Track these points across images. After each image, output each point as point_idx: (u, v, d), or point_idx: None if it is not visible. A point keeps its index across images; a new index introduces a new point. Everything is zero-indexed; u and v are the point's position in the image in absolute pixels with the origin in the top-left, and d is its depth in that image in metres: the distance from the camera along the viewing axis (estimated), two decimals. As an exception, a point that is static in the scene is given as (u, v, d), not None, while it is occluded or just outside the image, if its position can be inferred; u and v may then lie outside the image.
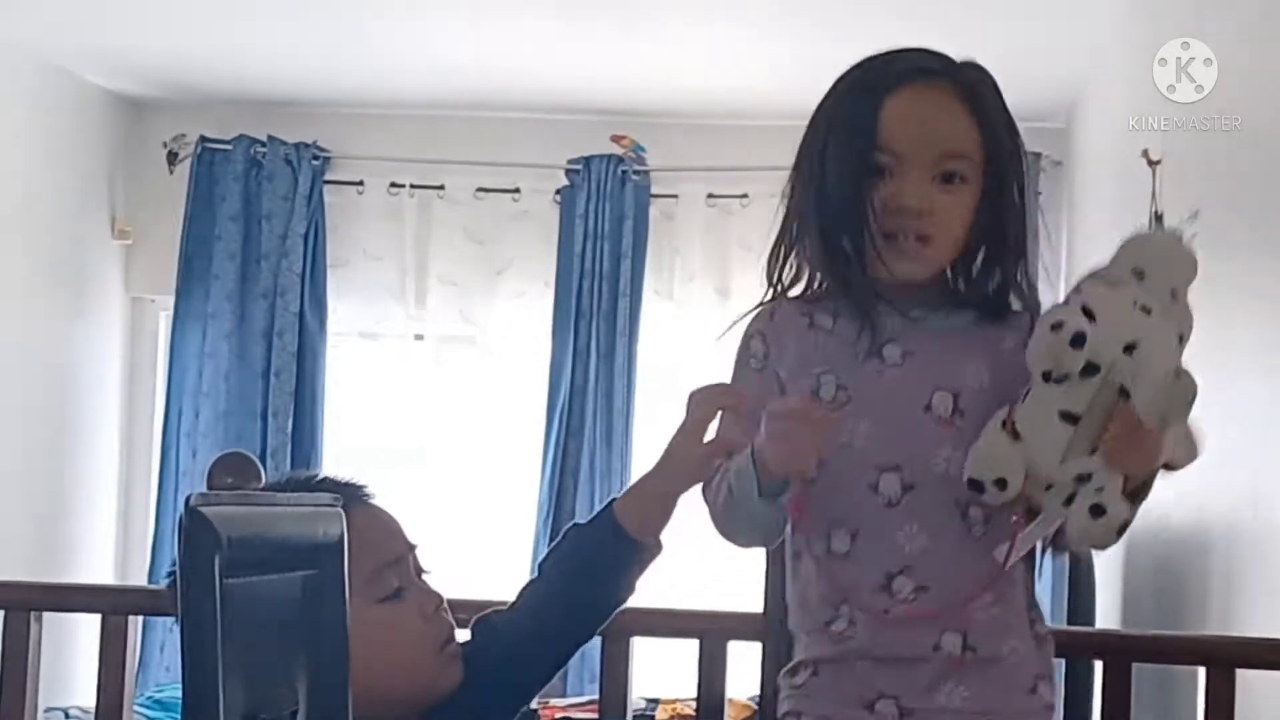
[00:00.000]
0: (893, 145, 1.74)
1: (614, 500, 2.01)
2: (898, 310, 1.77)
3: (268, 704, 1.35)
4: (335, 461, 5.69)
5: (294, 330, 5.62)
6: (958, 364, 1.74)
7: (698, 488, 1.88)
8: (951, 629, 1.72)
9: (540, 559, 2.07)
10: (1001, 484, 1.68)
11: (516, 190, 5.68)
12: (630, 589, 2.03)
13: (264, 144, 5.68)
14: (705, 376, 1.88)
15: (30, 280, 5.25)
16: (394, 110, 5.71)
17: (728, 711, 2.72)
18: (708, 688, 2.65)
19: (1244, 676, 2.43)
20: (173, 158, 5.75)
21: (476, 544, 5.72)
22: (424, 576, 2.01)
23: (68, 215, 5.47)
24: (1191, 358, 2.97)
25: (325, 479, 2.02)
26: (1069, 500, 1.67)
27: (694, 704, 2.69)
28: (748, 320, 1.85)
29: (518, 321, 5.76)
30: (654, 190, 5.65)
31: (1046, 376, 1.66)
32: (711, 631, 2.64)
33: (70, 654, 4.69)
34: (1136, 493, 1.70)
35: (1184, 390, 1.66)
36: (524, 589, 2.10)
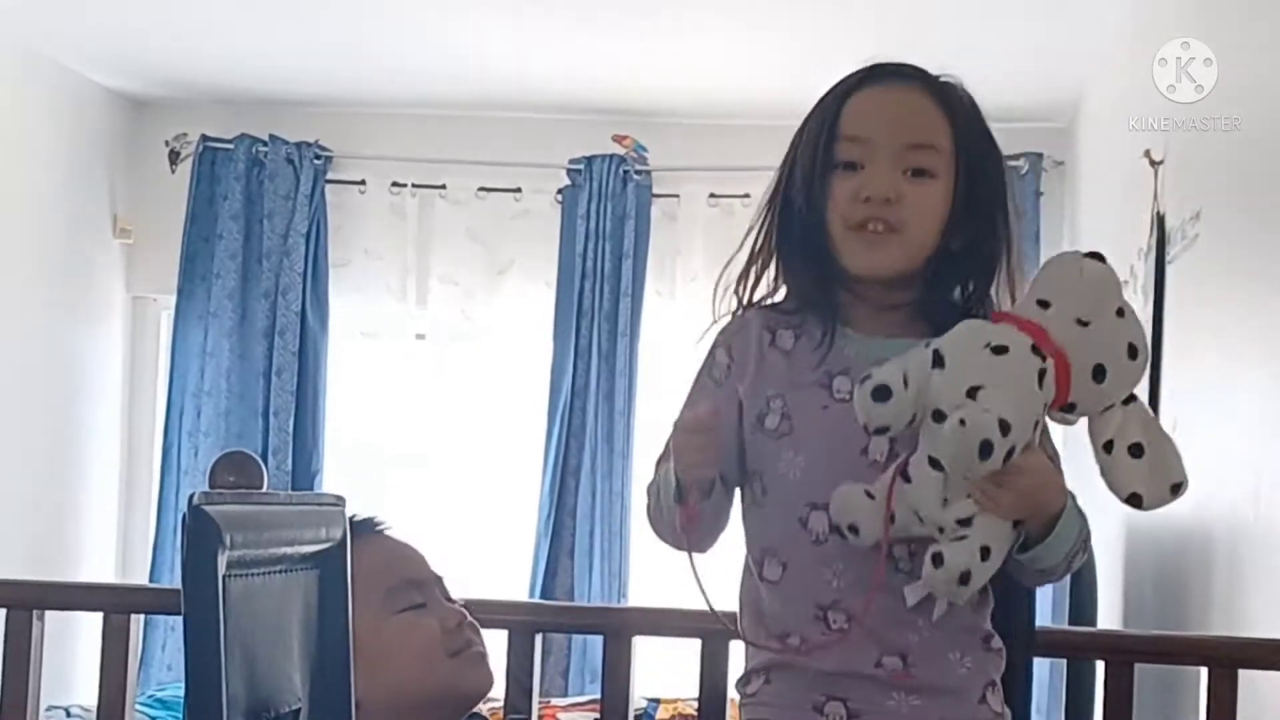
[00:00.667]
0: (857, 133, 1.74)
1: None
2: (855, 339, 1.76)
3: (270, 701, 1.35)
4: (336, 461, 5.69)
5: (295, 329, 5.62)
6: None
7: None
8: (889, 652, 1.73)
9: None
10: (853, 529, 1.68)
11: (518, 190, 5.68)
12: None
13: (266, 143, 5.69)
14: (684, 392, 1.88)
15: (32, 279, 5.25)
16: (396, 110, 5.71)
17: (729, 711, 2.72)
18: (710, 687, 2.65)
19: (1246, 677, 2.44)
20: (174, 156, 5.75)
21: (477, 544, 5.72)
22: (453, 601, 2.02)
23: (69, 214, 5.47)
24: (1192, 355, 2.98)
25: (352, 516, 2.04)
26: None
27: (694, 703, 2.69)
28: (719, 325, 1.85)
29: (519, 321, 5.75)
30: (655, 190, 5.65)
31: (867, 430, 1.65)
32: (713, 631, 2.64)
33: (71, 653, 4.70)
34: (1043, 535, 1.68)
35: (964, 438, 1.59)
36: None
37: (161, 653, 5.46)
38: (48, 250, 5.35)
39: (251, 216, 5.69)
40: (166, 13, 4.80)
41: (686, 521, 1.73)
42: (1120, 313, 1.70)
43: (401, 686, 1.86)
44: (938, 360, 1.63)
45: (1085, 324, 1.68)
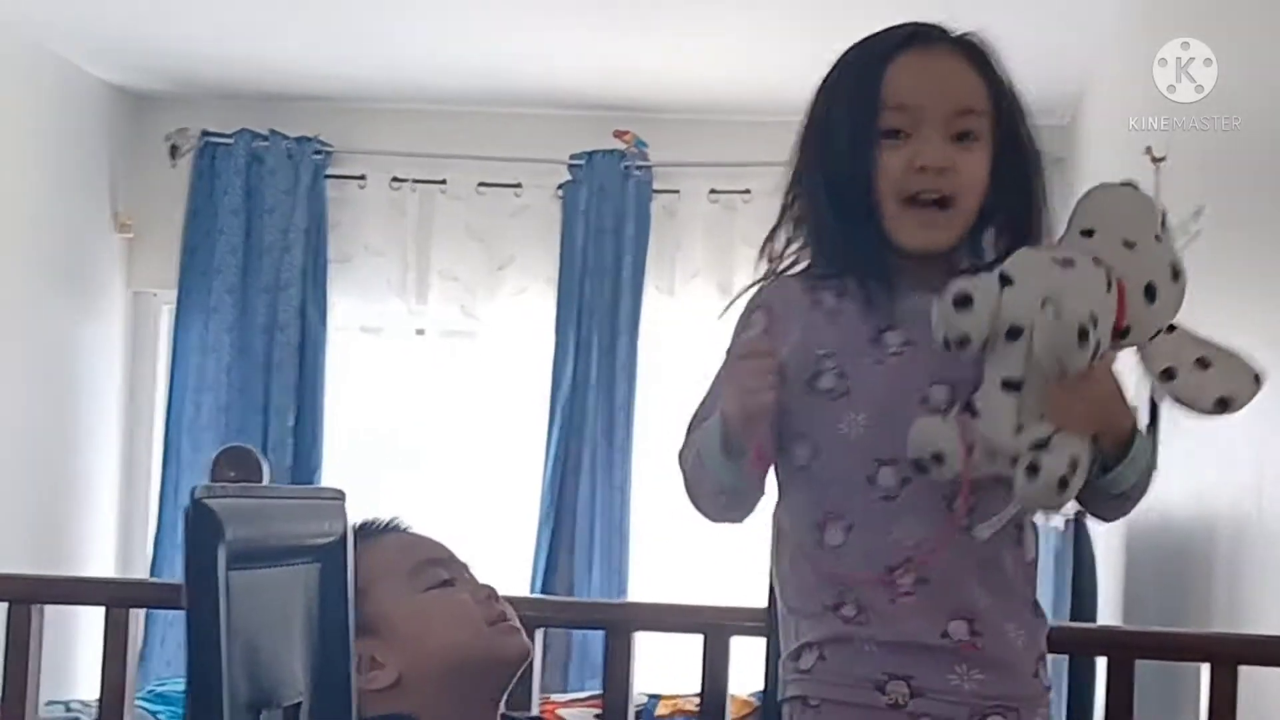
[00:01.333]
0: (904, 101, 1.72)
1: None
2: (900, 294, 1.74)
3: (272, 694, 1.35)
4: (337, 456, 5.69)
5: (295, 324, 5.62)
6: (956, 354, 1.68)
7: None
8: (956, 616, 1.71)
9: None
10: (939, 458, 1.65)
11: (518, 185, 5.68)
12: None
13: (266, 138, 5.68)
14: (707, 373, 1.85)
15: (32, 274, 5.25)
16: (396, 105, 5.71)
17: (729, 707, 2.71)
18: (711, 683, 2.65)
19: (1247, 673, 2.43)
20: (174, 151, 5.75)
21: (477, 539, 5.71)
22: (474, 579, 2.03)
23: (69, 209, 5.47)
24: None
25: (375, 520, 2.08)
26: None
27: (695, 699, 2.69)
28: (749, 295, 1.82)
29: (519, 317, 5.75)
30: (656, 186, 5.65)
31: (947, 344, 1.63)
32: (715, 626, 2.64)
33: (71, 647, 4.70)
34: (1114, 456, 1.67)
35: (1064, 330, 1.59)
36: None
37: (161, 648, 5.46)
38: (48, 245, 5.35)
39: (252, 211, 5.69)
40: (167, 7, 4.79)
41: (756, 460, 1.70)
42: (1158, 237, 1.71)
43: (444, 654, 1.87)
44: (1005, 280, 1.63)
45: (1131, 245, 1.68)
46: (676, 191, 5.65)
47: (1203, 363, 1.70)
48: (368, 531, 1.96)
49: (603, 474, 5.52)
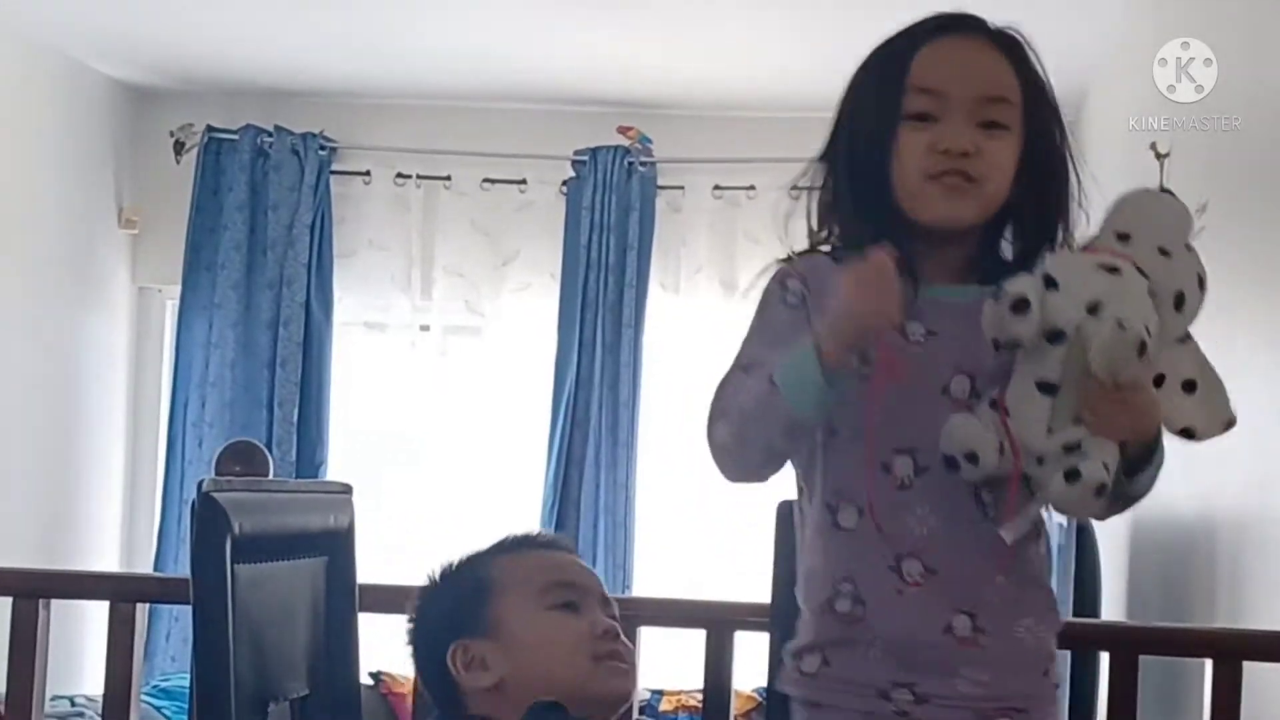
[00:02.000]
0: (931, 85, 1.72)
1: None
2: (922, 283, 1.73)
3: (278, 687, 1.36)
4: (341, 452, 5.69)
5: (300, 320, 5.62)
6: (978, 345, 1.68)
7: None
8: (961, 609, 1.70)
9: None
10: (972, 458, 1.64)
11: (523, 181, 5.68)
12: None
13: (270, 134, 5.68)
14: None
15: (37, 270, 5.25)
16: (401, 101, 5.71)
17: (733, 702, 2.72)
18: (714, 678, 2.65)
19: (1250, 669, 2.44)
20: (179, 147, 5.74)
21: (481, 534, 5.71)
22: (615, 620, 2.03)
23: (74, 205, 5.48)
24: (1202, 348, 2.96)
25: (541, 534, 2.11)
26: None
27: (698, 695, 2.69)
28: (772, 270, 1.80)
29: (523, 313, 5.75)
30: (660, 182, 5.65)
31: (997, 345, 1.64)
32: (718, 621, 2.65)
33: (76, 643, 4.71)
34: (1139, 461, 1.67)
35: (1124, 342, 1.60)
36: None
37: (166, 643, 5.47)
38: (53, 241, 5.35)
39: (256, 207, 5.69)
40: (172, 3, 4.79)
41: (893, 372, 1.65)
42: (1188, 246, 1.71)
43: (544, 676, 1.88)
44: (1050, 282, 1.62)
45: (1166, 254, 1.68)
46: (681, 187, 5.65)
47: (1189, 386, 1.70)
48: (530, 543, 1.98)
49: (606, 469, 5.52)
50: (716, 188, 5.60)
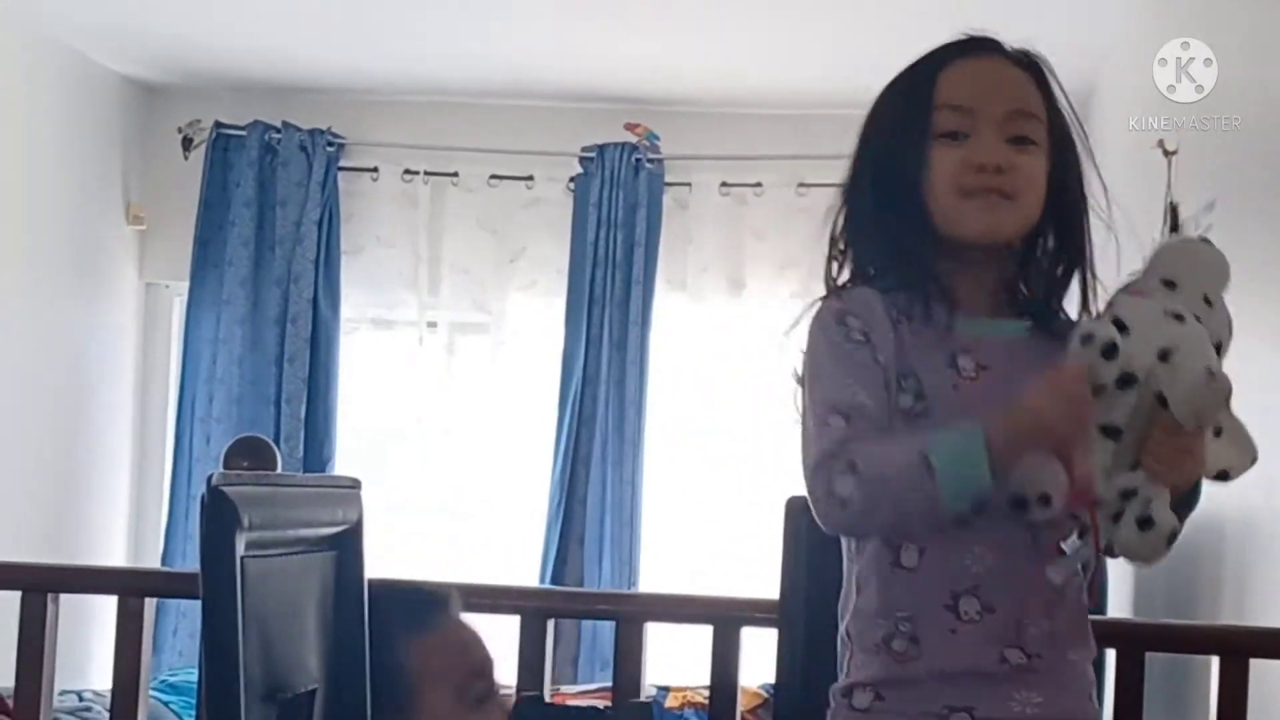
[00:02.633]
0: (960, 102, 1.71)
1: None
2: (963, 313, 1.72)
3: (287, 681, 1.36)
4: (348, 448, 5.70)
5: (307, 317, 5.63)
6: (1027, 379, 1.64)
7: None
8: (1012, 644, 1.69)
9: None
10: (1045, 500, 1.64)
11: (530, 178, 5.69)
12: None
13: (279, 130, 5.69)
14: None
15: (45, 266, 5.26)
16: (408, 97, 5.71)
17: (739, 698, 2.72)
18: (721, 673, 2.65)
19: (1257, 666, 2.44)
20: (187, 143, 5.75)
21: (488, 531, 5.72)
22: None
23: (82, 201, 5.48)
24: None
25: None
26: (1116, 517, 1.65)
27: (704, 692, 2.70)
28: (815, 308, 1.75)
29: (530, 310, 5.76)
30: (667, 179, 5.65)
31: (1093, 389, 1.63)
32: (725, 617, 2.65)
33: (83, 638, 4.71)
34: (1184, 503, 1.67)
35: (1217, 391, 1.62)
36: None
37: (173, 638, 5.47)
38: (61, 236, 5.36)
39: (264, 203, 5.69)
40: (180, -1, 4.81)
41: (1075, 495, 1.62)
42: (1221, 298, 1.73)
43: None
44: (1121, 327, 1.63)
45: (1210, 303, 1.71)
46: (688, 184, 5.65)
47: (1217, 431, 1.70)
48: (428, 616, 1.97)
49: (613, 466, 5.53)
50: (724, 185, 5.60)
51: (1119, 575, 3.68)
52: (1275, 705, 2.52)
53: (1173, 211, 3.48)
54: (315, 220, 5.64)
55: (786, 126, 5.44)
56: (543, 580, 5.44)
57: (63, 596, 2.80)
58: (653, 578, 5.49)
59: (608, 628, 5.30)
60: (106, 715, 3.67)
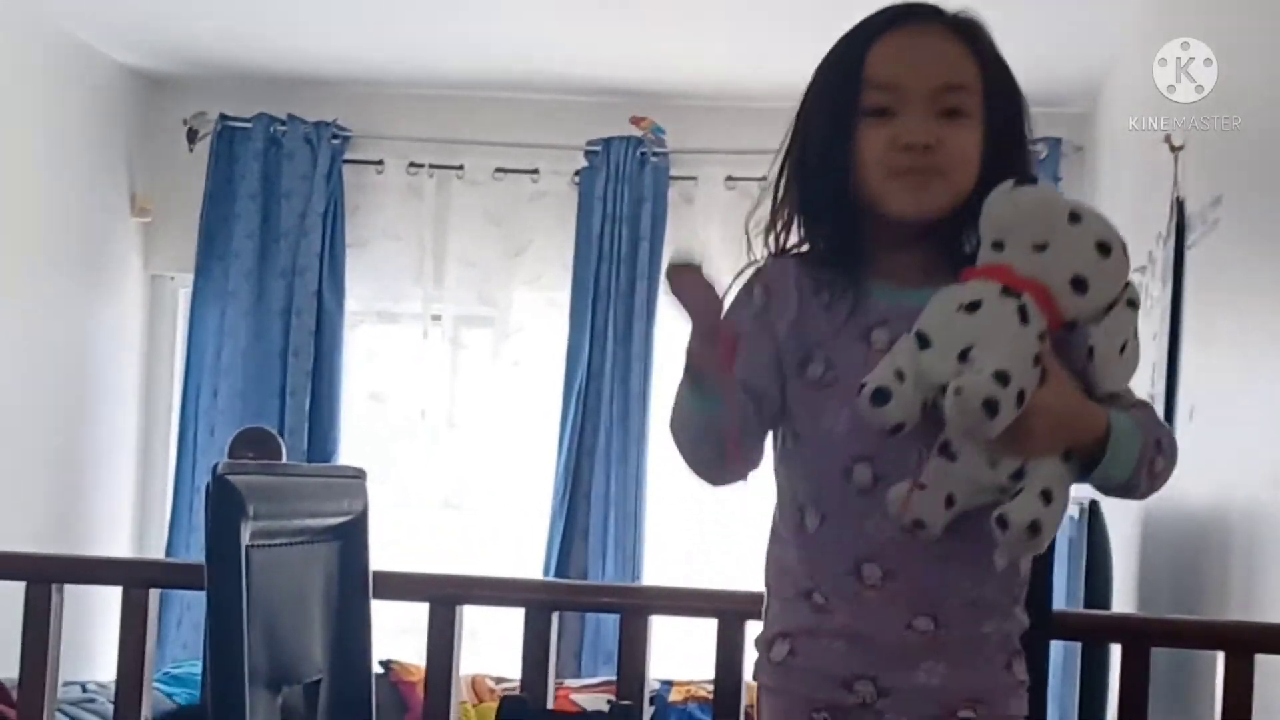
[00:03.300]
0: (886, 79, 1.71)
1: None
2: (890, 288, 1.73)
3: (292, 671, 1.36)
4: (352, 441, 5.70)
5: (312, 309, 5.62)
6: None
7: None
8: (922, 612, 1.71)
9: None
10: (920, 525, 1.66)
11: (535, 171, 5.68)
12: None
13: (284, 122, 5.69)
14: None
15: (50, 257, 5.26)
16: (414, 90, 5.71)
17: (744, 693, 2.72)
18: (725, 667, 2.65)
19: (1263, 662, 2.43)
20: (193, 135, 5.75)
21: (491, 524, 5.72)
22: None
23: (87, 192, 5.48)
24: (1212, 341, 2.96)
25: None
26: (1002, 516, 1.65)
27: (707, 686, 2.70)
28: (748, 274, 1.80)
29: (535, 303, 5.75)
30: (673, 172, 5.64)
31: (885, 433, 1.63)
32: (729, 611, 2.65)
33: (85, 629, 4.71)
34: (1099, 454, 1.66)
35: (967, 410, 1.58)
36: None
37: (177, 630, 5.47)
38: (66, 228, 5.36)
39: (269, 196, 5.69)
40: (186, -9, 4.80)
41: (726, 354, 1.66)
42: (1075, 218, 1.68)
43: None
44: (923, 341, 1.63)
45: (1043, 247, 1.67)
46: (694, 178, 5.64)
47: (1089, 352, 1.69)
48: None
49: (617, 460, 5.52)
50: (729, 179, 5.59)
51: (1124, 567, 3.68)
52: (1281, 701, 2.52)
53: (1179, 206, 3.47)
54: (320, 213, 5.63)
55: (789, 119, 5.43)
56: (546, 574, 5.44)
57: (66, 588, 2.80)
58: (656, 572, 5.49)
59: (610, 622, 5.31)
60: (110, 706, 3.67)
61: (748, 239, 1.81)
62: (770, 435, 1.79)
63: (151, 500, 5.85)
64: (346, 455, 5.65)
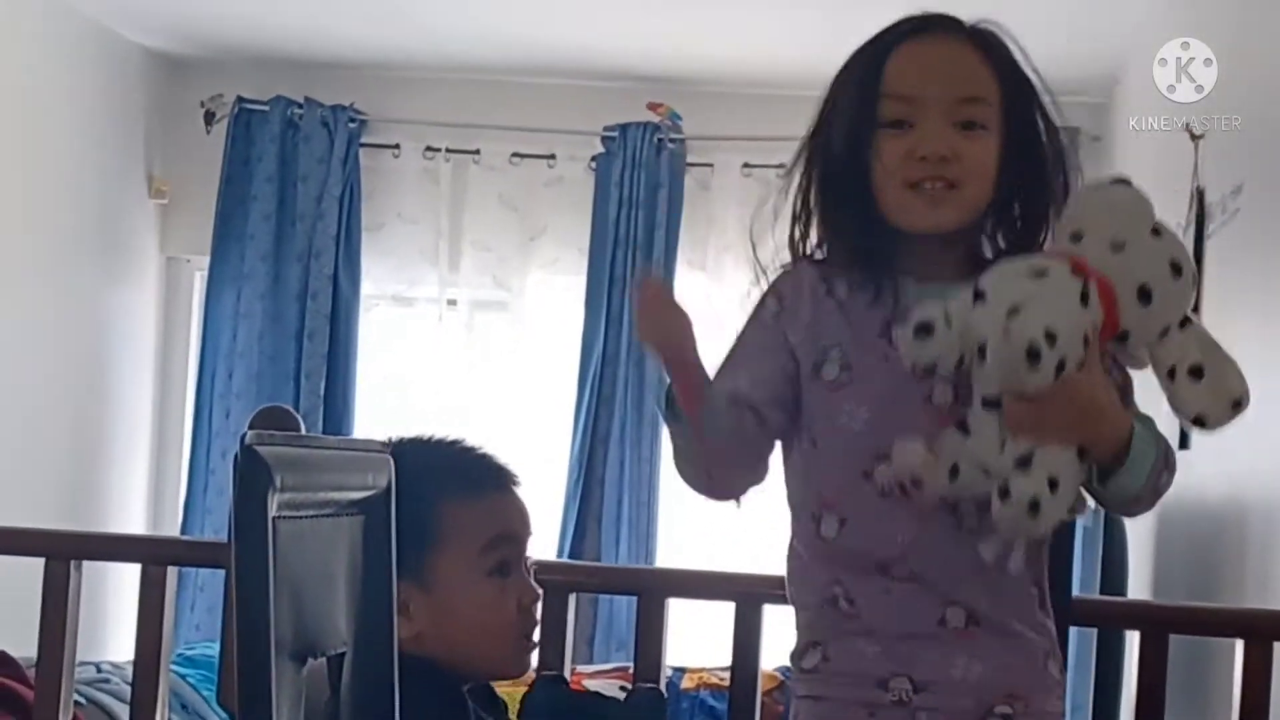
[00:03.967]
0: (903, 91, 1.71)
1: None
2: (910, 288, 1.72)
3: (317, 643, 1.36)
4: (367, 424, 5.70)
5: (328, 292, 5.63)
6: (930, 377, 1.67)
7: None
8: (954, 605, 1.70)
9: None
10: (916, 483, 1.65)
11: (552, 156, 5.68)
12: None
13: (301, 105, 5.69)
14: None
15: (66, 238, 5.27)
16: (431, 74, 5.71)
17: (760, 678, 2.72)
18: (742, 651, 2.65)
19: (1282, 649, 2.43)
20: (210, 117, 5.75)
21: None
22: (530, 568, 2.08)
23: (104, 174, 5.49)
24: (1231, 330, 2.97)
25: (487, 455, 2.12)
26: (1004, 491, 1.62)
27: (719, 673, 2.69)
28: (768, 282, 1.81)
29: (550, 288, 5.75)
30: (689, 159, 5.64)
31: (913, 369, 1.63)
32: (748, 594, 2.64)
33: (101, 609, 4.73)
34: (1117, 462, 1.64)
35: (1011, 350, 1.57)
36: None
37: (191, 612, 5.49)
38: (82, 209, 5.37)
39: (286, 179, 5.69)
40: (205, -28, 4.80)
41: (687, 403, 1.69)
42: (1156, 232, 1.67)
43: (463, 645, 1.93)
44: (978, 295, 1.61)
45: (1120, 247, 1.65)
46: (710, 165, 5.64)
47: (1196, 372, 1.66)
48: (477, 484, 2.00)
49: (631, 446, 5.53)
50: (746, 166, 5.58)
51: (1140, 557, 3.68)
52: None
53: (1199, 196, 3.47)
54: (336, 196, 5.64)
55: (809, 109, 5.40)
56: (560, 558, 5.44)
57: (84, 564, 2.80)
58: (669, 557, 5.49)
59: (624, 608, 5.32)
60: (125, 687, 3.67)
61: (753, 246, 1.82)
62: (781, 447, 1.79)
63: (166, 481, 5.86)
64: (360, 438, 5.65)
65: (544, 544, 5.50)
